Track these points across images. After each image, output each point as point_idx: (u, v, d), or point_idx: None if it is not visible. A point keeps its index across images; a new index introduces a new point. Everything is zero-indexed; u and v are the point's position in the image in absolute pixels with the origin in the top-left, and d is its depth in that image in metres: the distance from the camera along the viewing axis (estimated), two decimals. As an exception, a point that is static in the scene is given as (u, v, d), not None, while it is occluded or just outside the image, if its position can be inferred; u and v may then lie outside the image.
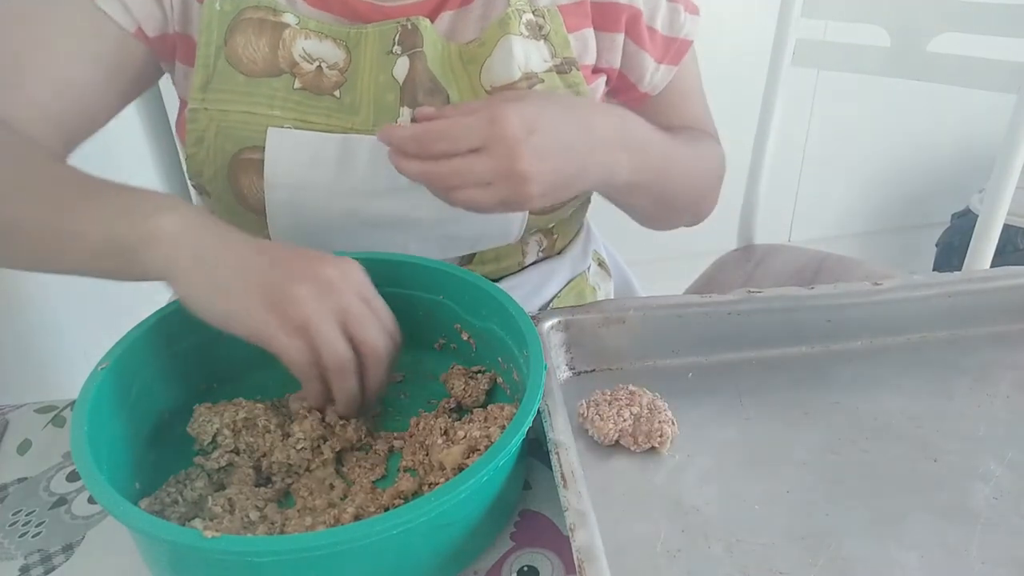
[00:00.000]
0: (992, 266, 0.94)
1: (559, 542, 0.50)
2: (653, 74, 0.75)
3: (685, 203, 0.78)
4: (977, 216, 1.03)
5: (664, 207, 0.75)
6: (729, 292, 0.64)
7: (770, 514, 0.50)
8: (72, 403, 0.63)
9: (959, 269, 0.85)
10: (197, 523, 0.49)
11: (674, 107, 0.79)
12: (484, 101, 0.60)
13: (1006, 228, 1.03)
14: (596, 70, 0.73)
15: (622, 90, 0.77)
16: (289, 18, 0.64)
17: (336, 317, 0.51)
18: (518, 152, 0.55)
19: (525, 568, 0.49)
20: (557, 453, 0.50)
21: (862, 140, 1.88)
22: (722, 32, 1.63)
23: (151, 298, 0.71)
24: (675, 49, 0.75)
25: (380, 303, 0.55)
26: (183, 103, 0.70)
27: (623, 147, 0.63)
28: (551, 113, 0.58)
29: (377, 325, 0.54)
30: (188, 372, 0.59)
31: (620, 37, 0.72)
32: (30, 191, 0.55)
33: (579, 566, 0.43)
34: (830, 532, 0.49)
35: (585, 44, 0.71)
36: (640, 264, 0.83)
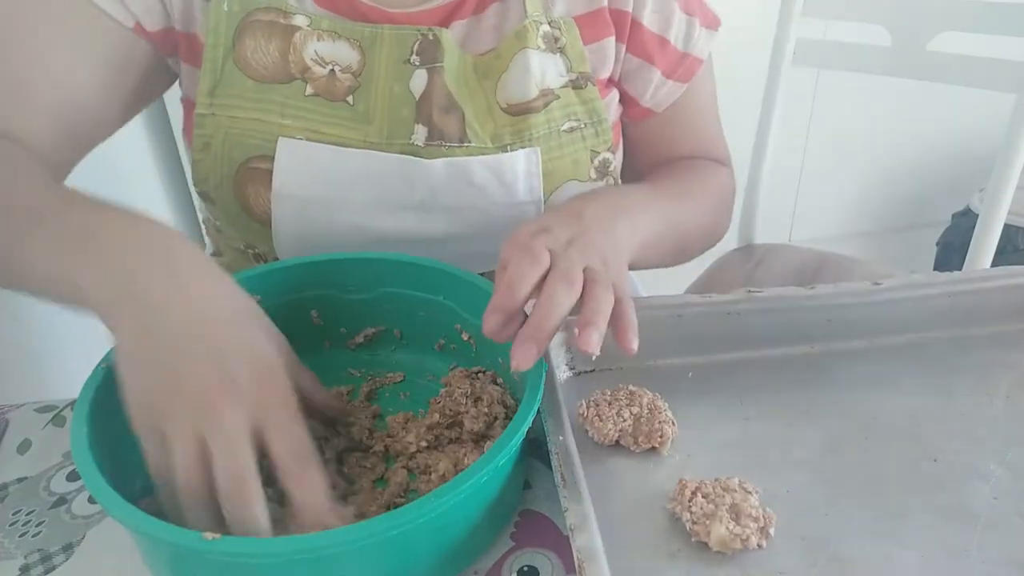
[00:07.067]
0: (992, 266, 0.94)
1: (559, 542, 0.50)
2: (658, 89, 0.73)
3: (699, 243, 0.78)
4: (977, 216, 1.03)
5: (681, 252, 0.75)
6: (729, 292, 0.63)
7: (770, 514, 0.50)
8: (72, 403, 0.63)
9: (959, 269, 0.85)
10: (197, 523, 0.49)
11: (681, 127, 0.77)
12: (511, 244, 0.54)
13: (1006, 228, 1.02)
14: (609, 82, 0.71)
15: (622, 105, 0.74)
16: (300, 20, 0.62)
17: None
18: (572, 258, 0.52)
19: (525, 568, 0.49)
20: (557, 453, 0.50)
21: (862, 140, 1.87)
22: (722, 32, 1.63)
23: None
24: (686, 65, 0.73)
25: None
26: (189, 104, 0.69)
27: (628, 211, 0.62)
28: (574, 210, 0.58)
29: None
30: (188, 372, 0.59)
31: (620, 46, 0.69)
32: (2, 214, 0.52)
33: (579, 566, 0.43)
34: (830, 532, 0.49)
35: (604, 56, 0.68)
36: (640, 264, 0.83)
